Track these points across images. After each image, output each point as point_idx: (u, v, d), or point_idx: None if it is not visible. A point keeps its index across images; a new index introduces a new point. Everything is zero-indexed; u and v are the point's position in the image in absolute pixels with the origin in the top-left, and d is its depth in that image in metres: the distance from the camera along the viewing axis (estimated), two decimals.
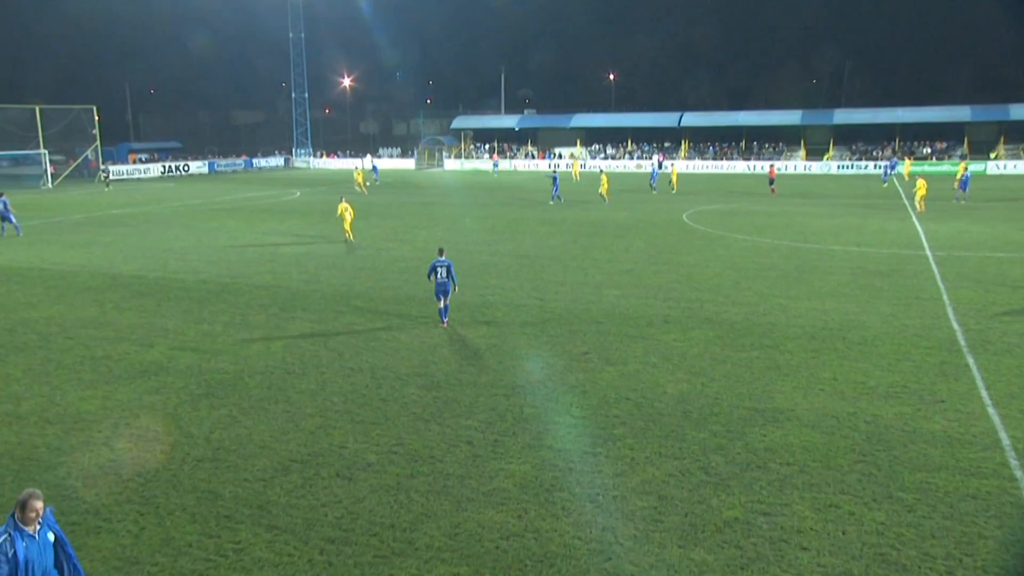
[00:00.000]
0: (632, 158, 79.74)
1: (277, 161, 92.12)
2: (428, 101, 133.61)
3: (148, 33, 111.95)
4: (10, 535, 6.03)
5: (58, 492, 9.46)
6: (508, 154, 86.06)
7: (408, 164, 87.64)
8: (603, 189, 44.47)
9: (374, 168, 66.20)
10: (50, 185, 59.64)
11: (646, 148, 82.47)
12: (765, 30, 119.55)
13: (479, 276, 22.42)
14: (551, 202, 43.59)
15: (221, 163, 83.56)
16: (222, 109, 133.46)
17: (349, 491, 9.49)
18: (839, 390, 12.83)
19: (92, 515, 8.94)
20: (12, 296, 20.29)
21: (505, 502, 9.20)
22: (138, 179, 69.91)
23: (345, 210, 28.80)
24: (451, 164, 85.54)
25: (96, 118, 65.87)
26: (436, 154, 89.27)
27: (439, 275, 16.23)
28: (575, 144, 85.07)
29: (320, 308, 18.72)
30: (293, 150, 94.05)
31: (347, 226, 28.90)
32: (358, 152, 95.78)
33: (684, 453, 10.50)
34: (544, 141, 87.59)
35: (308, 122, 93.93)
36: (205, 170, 79.49)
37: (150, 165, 75.53)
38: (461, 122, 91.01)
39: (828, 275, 22.21)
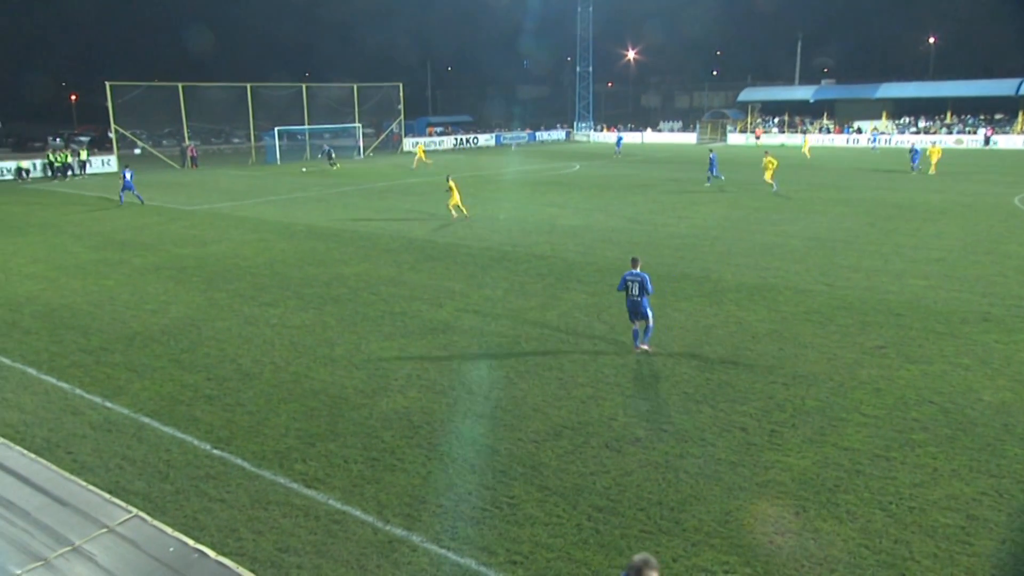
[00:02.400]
0: (951, 132, 69.93)
1: (559, 134, 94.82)
2: (714, 73, 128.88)
3: (448, 17, 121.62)
4: None
5: (362, 429, 10.58)
6: (800, 128, 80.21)
7: (689, 138, 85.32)
8: (768, 175, 36.46)
9: (618, 140, 66.50)
10: (361, 156, 67.18)
11: (970, 121, 71.71)
12: None
13: (761, 256, 21.27)
14: (707, 183, 39.18)
15: (507, 136, 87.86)
16: (509, 85, 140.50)
17: (617, 463, 9.50)
18: None
19: (388, 454, 9.86)
20: (330, 253, 23.06)
21: (781, 496, 8.65)
22: (434, 150, 76.24)
23: (454, 187, 28.86)
24: (736, 139, 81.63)
25: (401, 95, 72.83)
26: (720, 128, 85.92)
27: (631, 291, 13.34)
28: (880, 117, 76.64)
29: (595, 280, 18.95)
30: (574, 123, 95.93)
31: (458, 201, 28.88)
32: (638, 125, 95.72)
33: (1003, 471, 9.08)
34: (842, 114, 79.95)
35: (591, 95, 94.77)
36: (492, 143, 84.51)
37: (444, 137, 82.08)
38: (749, 94, 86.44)
39: None
